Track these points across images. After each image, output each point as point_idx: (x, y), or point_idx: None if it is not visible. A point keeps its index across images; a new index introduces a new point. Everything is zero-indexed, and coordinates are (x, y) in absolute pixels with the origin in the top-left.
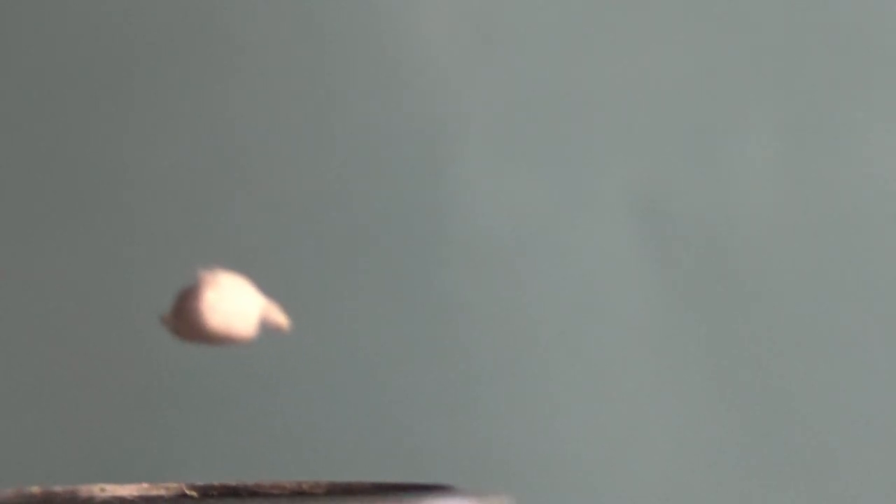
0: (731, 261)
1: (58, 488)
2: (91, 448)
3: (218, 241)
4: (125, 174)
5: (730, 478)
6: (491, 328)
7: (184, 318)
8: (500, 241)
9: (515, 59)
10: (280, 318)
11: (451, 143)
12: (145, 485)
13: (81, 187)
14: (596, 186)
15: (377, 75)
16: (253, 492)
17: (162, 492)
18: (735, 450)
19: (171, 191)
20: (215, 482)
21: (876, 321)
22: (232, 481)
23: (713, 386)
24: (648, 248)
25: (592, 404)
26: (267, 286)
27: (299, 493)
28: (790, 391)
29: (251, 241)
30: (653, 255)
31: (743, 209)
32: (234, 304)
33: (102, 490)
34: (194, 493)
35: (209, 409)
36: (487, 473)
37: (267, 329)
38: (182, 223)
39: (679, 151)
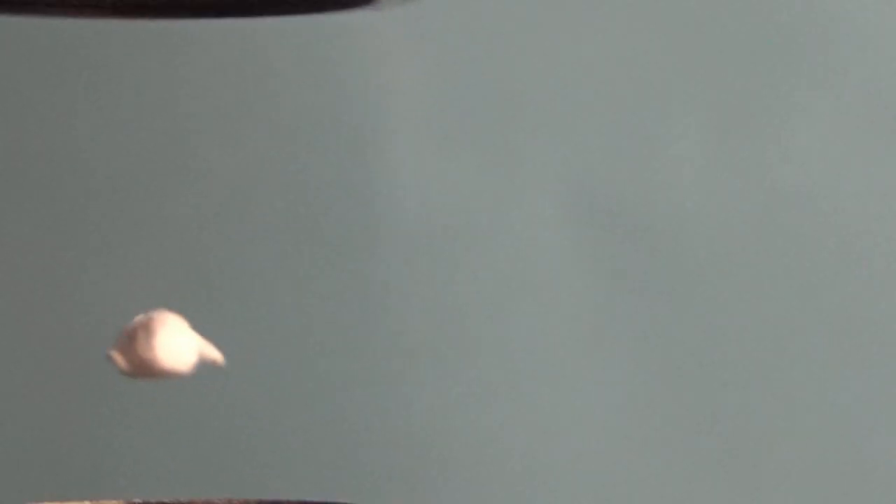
0: (662, 249)
1: (86, 503)
2: (31, 463)
3: (153, 232)
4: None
5: (665, 467)
6: (424, 318)
7: (134, 356)
8: (434, 230)
9: (449, 48)
10: (215, 354)
11: (384, 132)
12: (86, 502)
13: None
14: (530, 176)
15: (309, 63)
16: None
17: None
18: (668, 439)
19: (111, 173)
20: (152, 499)
21: (804, 307)
22: (167, 498)
23: (644, 374)
24: (582, 236)
25: (524, 393)
26: (200, 279)
27: None
28: (721, 378)
29: (188, 233)
30: (586, 243)
31: (674, 198)
32: (179, 342)
33: None
34: None
35: (145, 423)
36: (420, 460)
37: (204, 364)
38: (118, 203)
39: (612, 141)
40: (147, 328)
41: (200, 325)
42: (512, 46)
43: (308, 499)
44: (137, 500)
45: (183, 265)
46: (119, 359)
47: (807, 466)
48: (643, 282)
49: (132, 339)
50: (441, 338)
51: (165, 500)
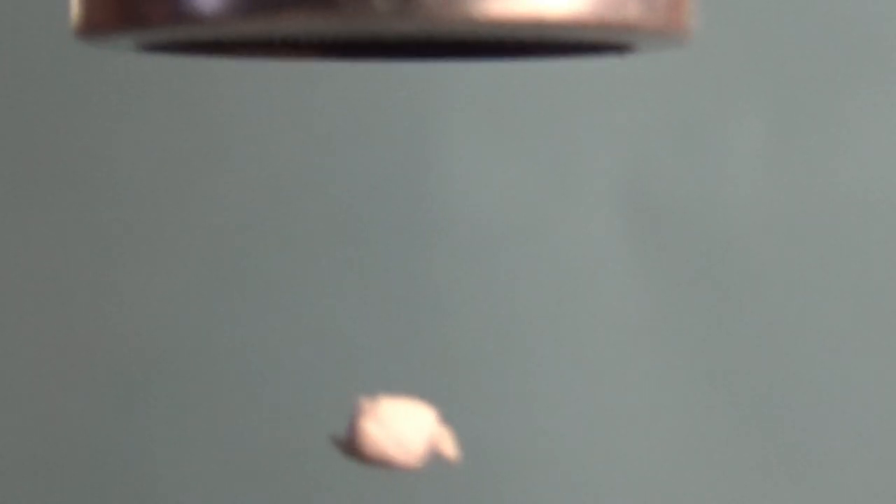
0: (717, 251)
1: None
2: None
3: (205, 231)
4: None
5: (718, 470)
6: (477, 319)
7: (355, 454)
8: (488, 231)
9: None
10: (449, 446)
11: (439, 133)
12: None
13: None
14: (583, 177)
15: (366, 66)
16: None
17: None
18: (722, 440)
19: (159, 186)
20: None
21: (864, 312)
22: None
23: (700, 376)
24: (635, 237)
25: (578, 394)
26: (255, 278)
27: None
28: (778, 381)
29: (239, 230)
30: (639, 244)
31: (730, 199)
32: (395, 432)
33: None
34: None
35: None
36: (471, 461)
37: (436, 455)
38: (170, 217)
39: (667, 142)
40: (356, 417)
41: (255, 325)
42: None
43: None
44: None
45: (232, 265)
46: (342, 447)
47: (874, 472)
48: (699, 284)
49: (353, 437)
50: (494, 338)
51: None
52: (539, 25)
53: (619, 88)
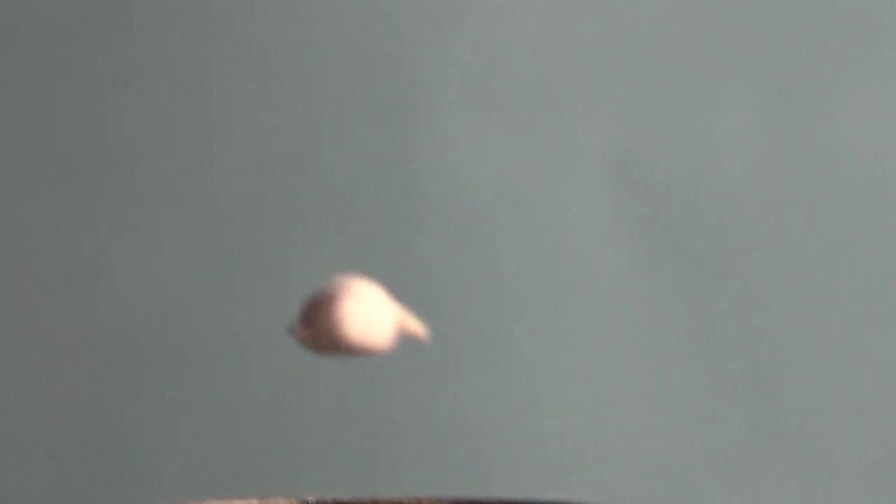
0: (709, 227)
1: None
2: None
3: (194, 214)
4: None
5: (706, 446)
6: (468, 297)
7: (318, 329)
8: (479, 209)
9: (490, 22)
10: (417, 327)
11: (426, 106)
12: (255, 501)
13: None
14: (575, 154)
15: (351, 42)
16: None
17: None
18: (712, 419)
19: (148, 168)
20: (328, 497)
21: (859, 290)
22: (345, 497)
23: (692, 353)
24: (627, 213)
25: (568, 373)
26: (244, 259)
27: None
28: (769, 359)
29: (229, 212)
30: (631, 220)
31: (722, 176)
32: (370, 313)
33: None
34: None
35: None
36: (462, 441)
37: (404, 338)
38: (160, 197)
39: (656, 115)
40: (332, 298)
41: (244, 308)
42: (556, 17)
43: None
44: (312, 499)
45: (221, 248)
46: (302, 332)
47: (853, 453)
48: (690, 260)
49: (317, 309)
50: (484, 316)
51: (344, 499)
52: None
53: (609, 65)
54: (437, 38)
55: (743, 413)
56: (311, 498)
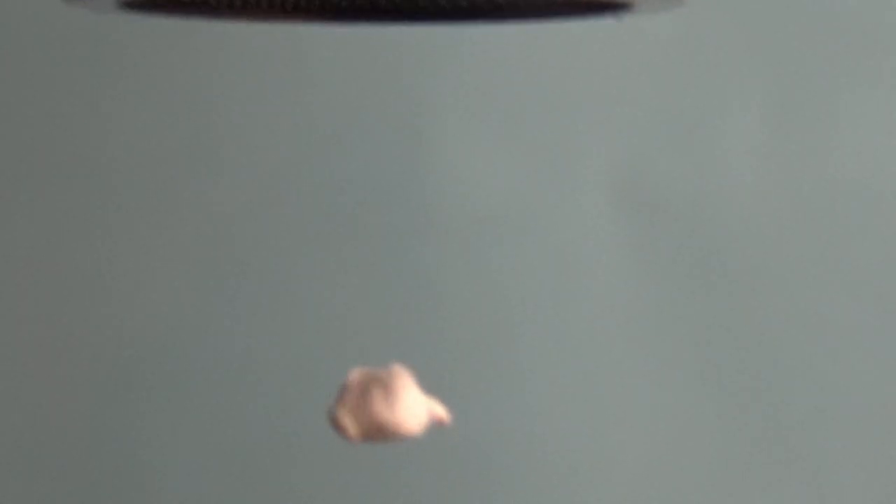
0: (710, 241)
1: None
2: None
3: (200, 225)
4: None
5: (710, 456)
6: (471, 309)
7: (369, 419)
8: (482, 222)
9: (497, 41)
10: (442, 411)
11: (433, 124)
12: None
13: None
14: (577, 167)
15: (358, 59)
16: None
17: None
18: (712, 427)
19: (154, 179)
20: None
21: (859, 301)
22: None
23: (693, 364)
24: (628, 227)
25: (571, 382)
26: (250, 269)
27: None
28: (770, 369)
29: (234, 223)
30: (633, 234)
31: (723, 191)
32: (419, 403)
33: None
34: None
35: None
36: (465, 450)
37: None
38: (165, 209)
39: (661, 133)
40: (387, 388)
41: (249, 316)
42: (563, 38)
43: None
44: None
45: (227, 258)
46: (349, 423)
47: (850, 457)
48: (692, 273)
49: (366, 399)
50: (487, 327)
51: None
52: None
53: (613, 80)
54: (446, 59)
55: (746, 426)
56: None
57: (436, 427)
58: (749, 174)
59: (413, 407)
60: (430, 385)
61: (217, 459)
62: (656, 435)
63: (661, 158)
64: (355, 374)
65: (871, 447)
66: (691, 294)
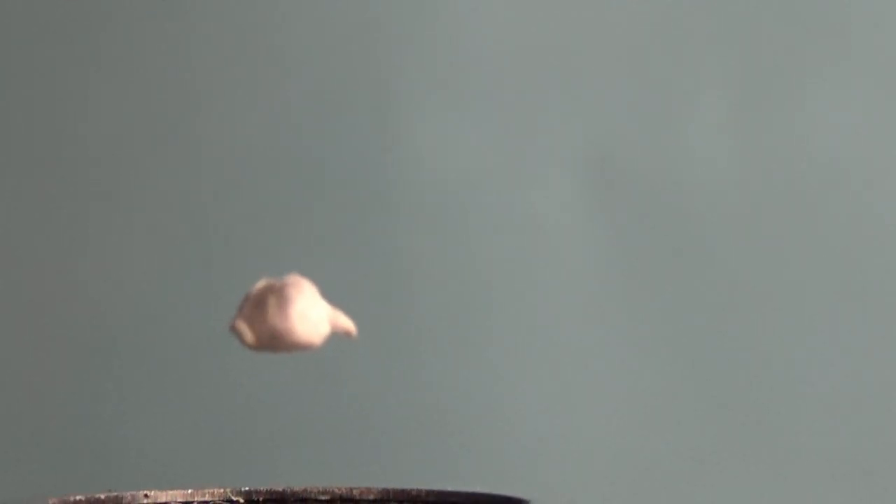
0: (680, 222)
1: (101, 495)
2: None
3: (172, 203)
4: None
5: (676, 435)
6: (443, 288)
7: (265, 327)
8: (451, 203)
9: (466, 22)
10: (348, 324)
11: (401, 106)
12: (189, 490)
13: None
14: (546, 147)
15: (325, 37)
16: (301, 497)
17: (206, 497)
18: (682, 406)
19: (126, 159)
20: (261, 487)
21: (830, 285)
22: (278, 486)
23: (664, 346)
24: (598, 206)
25: (542, 363)
26: (222, 248)
27: (349, 499)
28: (741, 353)
29: (207, 202)
30: (602, 213)
31: (693, 171)
32: (314, 312)
33: (146, 496)
34: (239, 499)
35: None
36: (438, 429)
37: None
38: (138, 186)
39: (630, 110)
40: (280, 295)
41: (217, 301)
42: (531, 14)
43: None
44: (244, 489)
45: (199, 237)
46: (246, 330)
47: (827, 446)
48: (661, 255)
49: (262, 307)
50: (455, 309)
51: (277, 489)
52: None
53: (584, 66)
54: (414, 38)
55: (718, 412)
56: (242, 487)
57: (341, 338)
58: (719, 154)
59: (309, 315)
60: (399, 364)
61: (189, 435)
62: (625, 412)
63: (631, 138)
64: (257, 285)
65: (843, 435)
66: (661, 274)
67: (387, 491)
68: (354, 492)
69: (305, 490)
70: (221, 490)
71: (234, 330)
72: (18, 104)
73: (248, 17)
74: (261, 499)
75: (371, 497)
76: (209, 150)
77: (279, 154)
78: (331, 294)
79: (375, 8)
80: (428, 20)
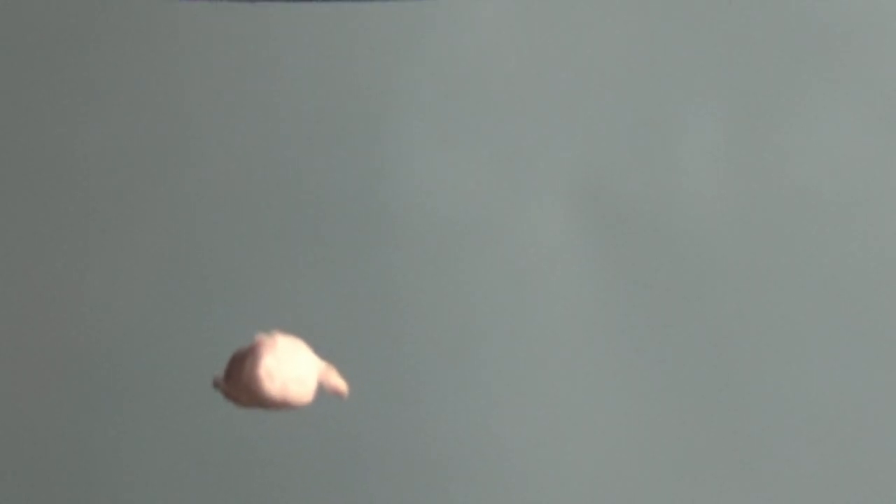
0: (670, 247)
1: None
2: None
3: (170, 232)
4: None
5: (670, 455)
6: (435, 314)
7: (239, 384)
8: (442, 227)
9: (459, 50)
10: (339, 382)
11: (395, 128)
12: None
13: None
14: (538, 172)
15: (321, 62)
16: None
17: None
18: (674, 430)
19: (126, 186)
20: None
21: (819, 303)
22: None
23: (656, 367)
24: (590, 230)
25: (534, 386)
26: (218, 275)
27: None
28: (731, 373)
29: (203, 229)
30: (593, 239)
31: (684, 194)
32: (292, 369)
33: None
34: None
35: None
36: (431, 451)
37: (325, 393)
38: (137, 214)
39: (622, 137)
40: (253, 354)
41: (213, 324)
42: (522, 43)
43: None
44: None
45: (196, 263)
46: (224, 386)
47: (812, 459)
48: (651, 279)
49: (238, 366)
50: (448, 333)
51: None
52: None
53: (575, 92)
54: (407, 65)
55: (707, 429)
56: None
57: (332, 397)
58: (709, 181)
59: (277, 374)
60: (392, 388)
61: (185, 457)
62: (616, 438)
63: (622, 164)
64: (240, 348)
65: (828, 442)
66: (651, 300)
67: None
68: None
69: None
70: None
71: (224, 394)
72: (6, 118)
73: (243, 44)
74: None
75: None
76: (200, 175)
77: (272, 181)
78: (323, 317)
79: (369, 38)
80: (421, 50)
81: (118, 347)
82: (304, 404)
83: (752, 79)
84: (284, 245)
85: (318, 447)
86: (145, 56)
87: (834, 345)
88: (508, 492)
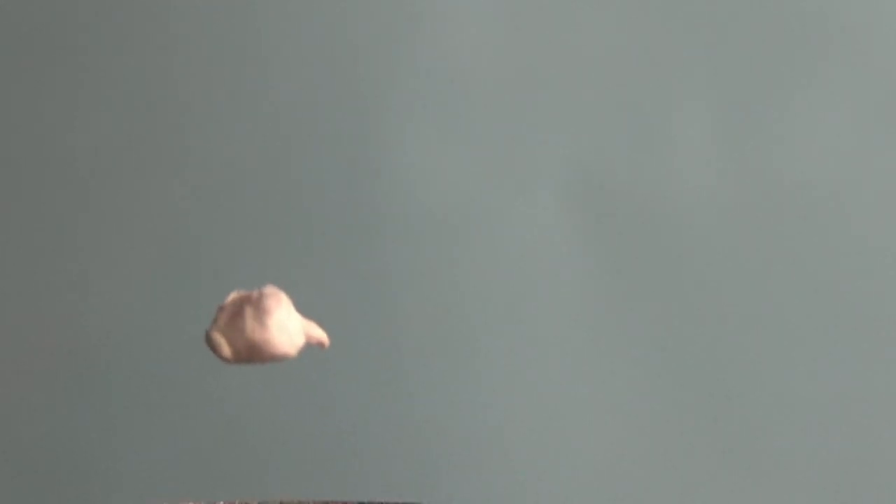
0: (664, 237)
1: None
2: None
3: (163, 224)
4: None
5: (664, 450)
6: (429, 307)
7: (242, 339)
8: (436, 219)
9: (452, 43)
10: (321, 334)
11: (388, 121)
12: (202, 502)
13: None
14: (531, 165)
15: (314, 55)
16: None
17: None
18: (669, 425)
19: (119, 179)
20: (235, 500)
21: (811, 297)
22: (252, 500)
23: (650, 361)
24: (584, 224)
25: (529, 380)
26: (211, 268)
27: None
28: (724, 364)
29: (196, 221)
30: (588, 231)
31: (678, 186)
32: (292, 322)
33: None
34: None
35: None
36: (425, 445)
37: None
38: (130, 206)
39: (616, 129)
40: (258, 306)
41: (208, 319)
42: (516, 36)
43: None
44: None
45: (184, 255)
46: (222, 342)
47: (806, 457)
48: (645, 272)
49: (238, 318)
50: (443, 327)
51: (251, 502)
52: None
53: (569, 85)
54: (400, 59)
55: (700, 420)
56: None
57: (315, 349)
58: (701, 173)
59: (286, 327)
60: (386, 382)
61: (170, 452)
62: (609, 431)
63: (615, 157)
64: (231, 296)
65: (823, 439)
66: (645, 291)
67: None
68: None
69: (280, 503)
70: None
71: (209, 341)
72: (5, 116)
73: (235, 42)
74: None
75: None
76: (195, 172)
77: (265, 176)
78: (318, 312)
79: (362, 29)
80: (414, 41)
81: (114, 343)
82: (292, 355)
83: (744, 71)
84: (279, 240)
85: (317, 443)
86: (140, 51)
87: (828, 338)
88: (497, 481)
